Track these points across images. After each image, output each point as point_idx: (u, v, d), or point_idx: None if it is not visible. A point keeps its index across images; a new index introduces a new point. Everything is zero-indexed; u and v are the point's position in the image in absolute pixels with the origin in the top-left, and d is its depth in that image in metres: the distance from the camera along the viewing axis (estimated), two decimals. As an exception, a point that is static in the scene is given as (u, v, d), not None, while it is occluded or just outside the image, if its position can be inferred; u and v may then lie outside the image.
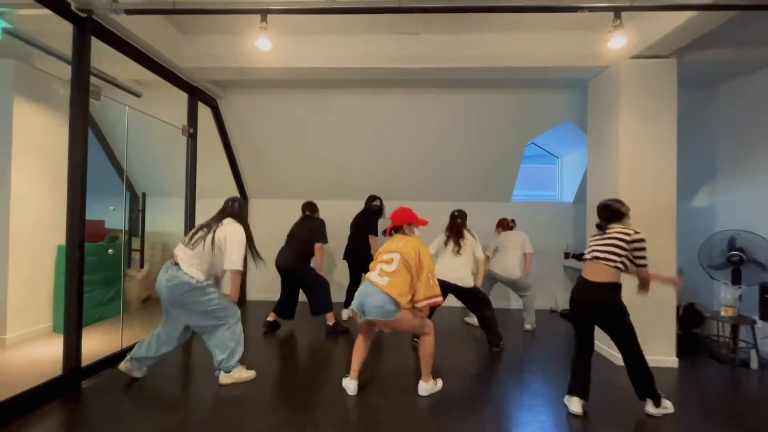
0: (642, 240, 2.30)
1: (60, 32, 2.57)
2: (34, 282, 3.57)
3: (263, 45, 2.50)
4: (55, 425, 2.20)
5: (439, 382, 2.68)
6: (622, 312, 2.33)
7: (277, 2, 2.48)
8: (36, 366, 2.91)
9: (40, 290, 3.63)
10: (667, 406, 2.41)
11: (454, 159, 4.78)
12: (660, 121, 3.25)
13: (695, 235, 3.94)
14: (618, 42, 2.39)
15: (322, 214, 4.21)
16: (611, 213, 2.43)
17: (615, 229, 2.36)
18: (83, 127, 2.56)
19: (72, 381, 2.55)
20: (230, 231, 2.59)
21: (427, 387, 2.58)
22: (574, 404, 2.39)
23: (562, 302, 5.07)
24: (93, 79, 2.69)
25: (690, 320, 3.91)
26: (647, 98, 3.26)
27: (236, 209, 2.73)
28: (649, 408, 2.40)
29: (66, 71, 3.26)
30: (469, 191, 5.04)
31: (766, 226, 3.43)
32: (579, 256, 4.76)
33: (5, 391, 2.26)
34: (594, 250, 2.37)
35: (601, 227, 2.44)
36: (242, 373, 2.73)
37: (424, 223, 2.69)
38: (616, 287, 2.32)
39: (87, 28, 2.55)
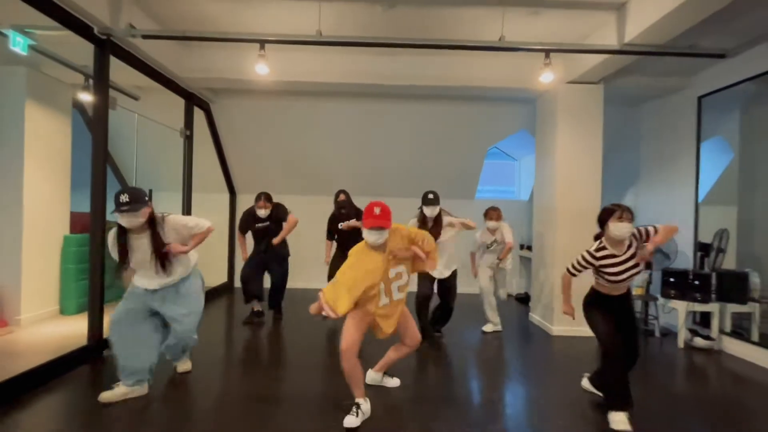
0: (585, 256, 2.34)
1: (69, 41, 2.91)
2: (43, 269, 3.93)
3: (261, 70, 2.99)
4: (87, 383, 2.67)
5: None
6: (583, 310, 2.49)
7: (272, 34, 2.97)
8: (53, 340, 3.33)
9: (48, 277, 4.00)
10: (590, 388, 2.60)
11: (424, 161, 5.38)
12: (589, 136, 3.96)
13: (623, 230, 4.72)
14: (547, 77, 3.04)
15: (305, 209, 4.74)
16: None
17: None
18: (104, 135, 2.98)
19: (96, 349, 3.00)
20: None
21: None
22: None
23: (516, 287, 5.82)
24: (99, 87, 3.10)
25: (616, 300, 4.69)
26: (579, 117, 3.95)
27: None
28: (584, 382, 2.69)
29: (70, 74, 3.63)
30: (436, 189, 5.64)
31: (674, 222, 4.21)
32: (531, 248, 5.49)
33: (34, 359, 2.67)
34: None
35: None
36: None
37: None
38: (590, 290, 2.48)
39: (107, 48, 2.96)
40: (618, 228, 2.22)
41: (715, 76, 3.79)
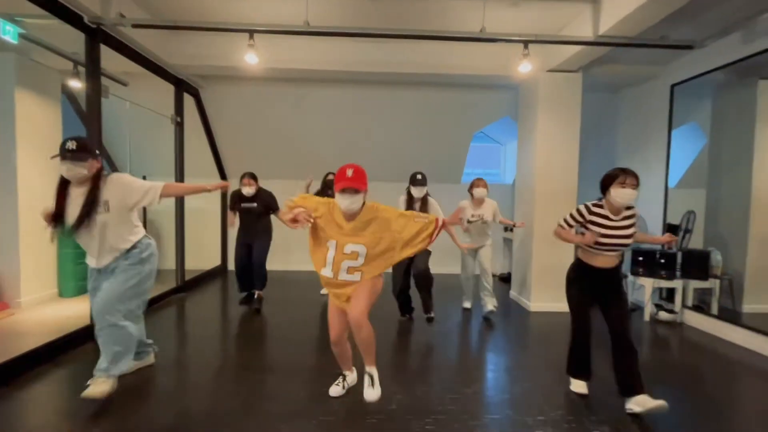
0: (579, 209, 2.27)
1: (56, 27, 2.92)
2: (41, 253, 4.03)
3: (251, 59, 3.08)
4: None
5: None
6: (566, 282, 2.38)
7: (261, 24, 3.05)
8: (54, 321, 3.48)
9: (46, 261, 4.11)
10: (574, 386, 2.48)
11: (411, 145, 5.53)
12: (568, 122, 4.13)
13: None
14: (525, 67, 3.18)
15: (294, 192, 4.83)
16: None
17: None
18: (98, 124, 3.06)
19: (98, 329, 3.16)
20: None
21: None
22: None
23: (500, 268, 6.09)
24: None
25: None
26: (559, 103, 4.12)
27: None
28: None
29: (59, 61, 3.66)
30: (424, 173, 5.82)
31: (646, 205, 4.45)
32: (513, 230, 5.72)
33: (38, 339, 2.80)
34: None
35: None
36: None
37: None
38: (574, 261, 2.36)
39: (97, 37, 3.01)
40: (620, 194, 2.09)
41: (687, 65, 3.97)
